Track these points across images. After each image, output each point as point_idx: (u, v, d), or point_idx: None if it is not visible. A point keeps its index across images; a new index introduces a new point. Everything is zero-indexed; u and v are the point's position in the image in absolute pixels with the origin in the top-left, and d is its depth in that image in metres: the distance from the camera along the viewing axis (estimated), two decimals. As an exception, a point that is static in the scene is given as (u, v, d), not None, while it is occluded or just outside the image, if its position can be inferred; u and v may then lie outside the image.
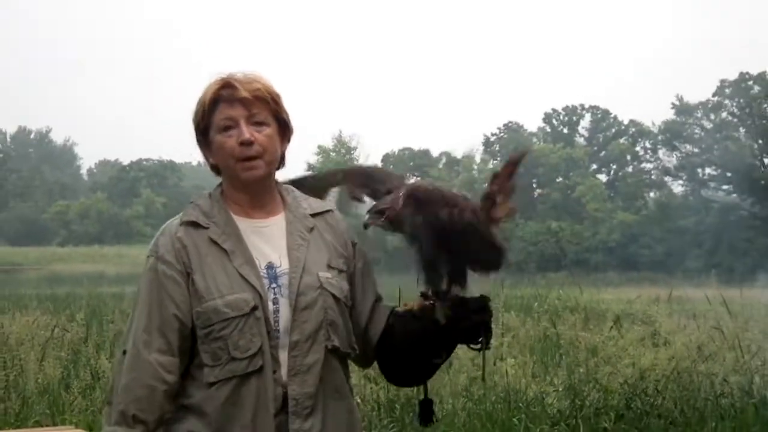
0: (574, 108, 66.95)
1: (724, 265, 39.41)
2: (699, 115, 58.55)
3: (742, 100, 56.30)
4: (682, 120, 58.60)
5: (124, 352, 2.15)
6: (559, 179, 61.64)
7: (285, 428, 2.14)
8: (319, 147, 64.51)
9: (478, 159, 66.04)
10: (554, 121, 67.75)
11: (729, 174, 54.22)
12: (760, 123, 54.87)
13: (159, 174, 71.85)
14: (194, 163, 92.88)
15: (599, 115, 65.96)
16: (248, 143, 2.19)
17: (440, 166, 66.63)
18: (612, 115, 65.61)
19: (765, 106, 55.59)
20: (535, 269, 53.16)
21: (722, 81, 57.50)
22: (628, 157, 62.61)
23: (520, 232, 58.06)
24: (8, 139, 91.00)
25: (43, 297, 16.49)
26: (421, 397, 2.39)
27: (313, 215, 2.33)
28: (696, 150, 57.77)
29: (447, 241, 2.18)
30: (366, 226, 2.28)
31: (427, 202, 2.22)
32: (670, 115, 59.92)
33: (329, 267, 2.26)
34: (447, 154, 67.24)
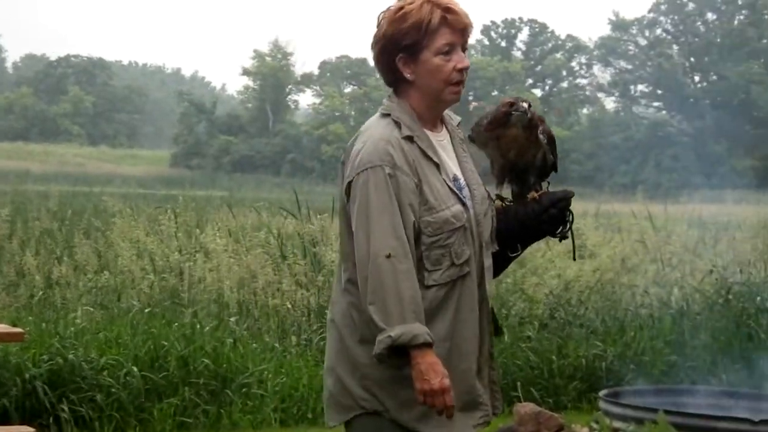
0: (513, 21, 66.62)
1: (651, 181, 40.26)
2: (634, 31, 58.86)
3: (676, 17, 56.69)
4: (617, 36, 58.85)
5: (388, 256, 2.29)
6: (495, 93, 61.69)
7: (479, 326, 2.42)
8: (255, 51, 63.26)
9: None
10: (492, 34, 67.39)
11: (660, 91, 54.96)
12: (693, 41, 55.47)
13: (88, 71, 69.71)
14: (125, 62, 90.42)
15: (537, 29, 65.78)
16: (465, 70, 2.39)
17: (377, 75, 65.91)
18: (549, 30, 65.51)
19: (698, 23, 56.11)
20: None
21: (659, -3, 57.75)
22: (564, 73, 62.85)
23: (453, 143, 58.29)
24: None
25: (-35, 192, 16.04)
26: None
27: (458, 126, 2.54)
28: (629, 66, 58.24)
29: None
30: (520, 113, 2.49)
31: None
32: (606, 30, 60.13)
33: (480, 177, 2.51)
34: (384, 63, 66.59)
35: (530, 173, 2.56)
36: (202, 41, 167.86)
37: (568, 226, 2.53)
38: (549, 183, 2.58)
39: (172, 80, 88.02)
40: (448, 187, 2.38)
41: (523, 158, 2.53)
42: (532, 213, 2.50)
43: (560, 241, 2.57)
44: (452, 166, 2.44)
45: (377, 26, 2.46)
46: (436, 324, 2.34)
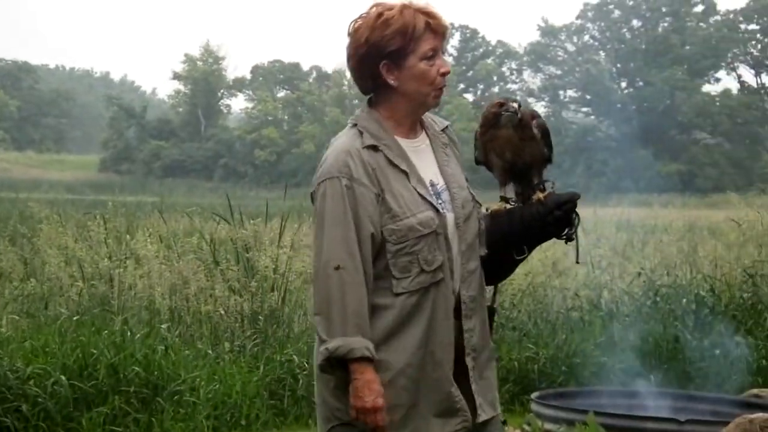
0: (445, 26, 67.10)
1: (581, 185, 40.95)
2: (563, 37, 59.85)
3: (603, 24, 57.83)
4: (546, 42, 59.78)
5: (337, 268, 2.29)
6: (427, 96, 62.07)
7: (456, 331, 2.39)
8: (186, 55, 62.68)
9: (348, 74, 65.48)
10: (424, 38, 67.78)
11: (588, 96, 55.95)
12: (619, 47, 56.61)
13: (13, 75, 68.10)
14: (51, 65, 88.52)
15: (468, 35, 66.44)
16: (447, 74, 2.43)
17: (310, 80, 65.88)
18: (480, 35, 66.22)
19: (624, 30, 57.30)
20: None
21: (585, 4, 58.82)
22: (495, 78, 63.59)
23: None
24: None
25: None
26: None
27: (442, 130, 2.53)
28: (559, 72, 59.20)
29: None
30: (510, 113, 2.50)
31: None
32: (535, 36, 61.04)
33: (466, 179, 2.50)
34: (317, 68, 66.46)
35: (532, 174, 2.55)
36: (131, 45, 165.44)
37: (573, 228, 2.52)
38: (554, 184, 2.58)
39: (101, 84, 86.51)
40: (418, 194, 2.37)
41: (521, 158, 2.53)
42: (537, 215, 2.49)
43: (566, 243, 2.55)
44: (429, 171, 2.43)
45: (351, 35, 2.43)
46: (410, 331, 2.34)
